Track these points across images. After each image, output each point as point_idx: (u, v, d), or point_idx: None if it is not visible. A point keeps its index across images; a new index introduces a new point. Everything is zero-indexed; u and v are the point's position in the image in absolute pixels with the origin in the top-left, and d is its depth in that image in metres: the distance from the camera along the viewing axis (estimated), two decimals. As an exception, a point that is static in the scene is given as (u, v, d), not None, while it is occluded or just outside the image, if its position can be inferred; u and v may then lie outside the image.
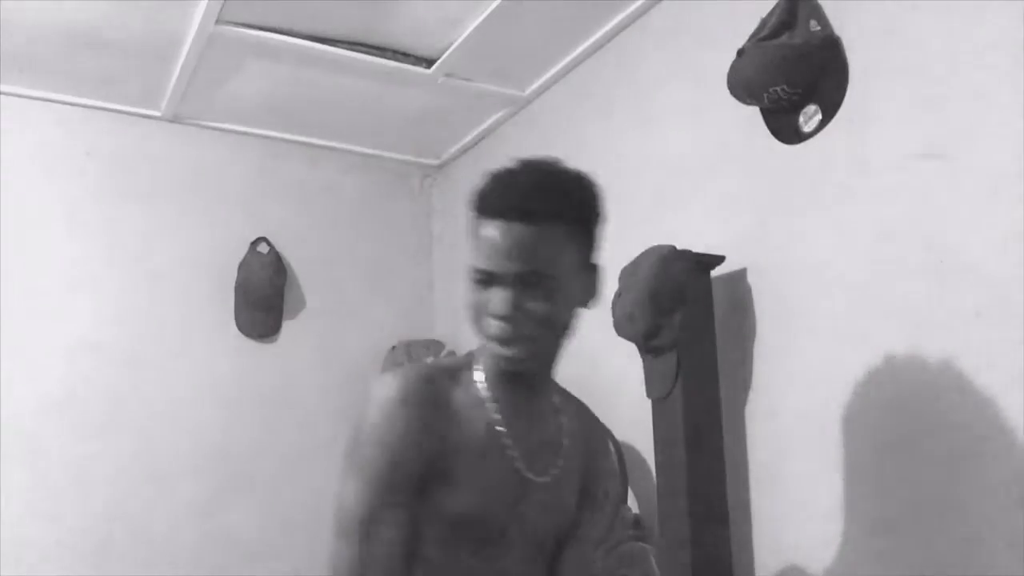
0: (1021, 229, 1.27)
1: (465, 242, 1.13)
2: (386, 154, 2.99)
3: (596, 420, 1.33)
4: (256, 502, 2.60)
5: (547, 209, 1.05)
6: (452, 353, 2.83)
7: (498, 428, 1.10)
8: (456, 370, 1.14)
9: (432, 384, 1.09)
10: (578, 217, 1.09)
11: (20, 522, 2.28)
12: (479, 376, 1.13)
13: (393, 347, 2.77)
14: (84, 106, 2.56)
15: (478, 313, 1.08)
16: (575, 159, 2.47)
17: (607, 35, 2.21)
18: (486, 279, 1.06)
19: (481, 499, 1.08)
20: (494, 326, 1.06)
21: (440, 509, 1.07)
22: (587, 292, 1.12)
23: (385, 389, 1.08)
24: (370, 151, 2.95)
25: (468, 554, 1.09)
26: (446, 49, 2.29)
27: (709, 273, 1.72)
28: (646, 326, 1.67)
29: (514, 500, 1.11)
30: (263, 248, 2.72)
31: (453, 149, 2.91)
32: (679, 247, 1.71)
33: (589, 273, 1.11)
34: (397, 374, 1.10)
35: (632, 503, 1.90)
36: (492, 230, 1.05)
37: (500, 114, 2.67)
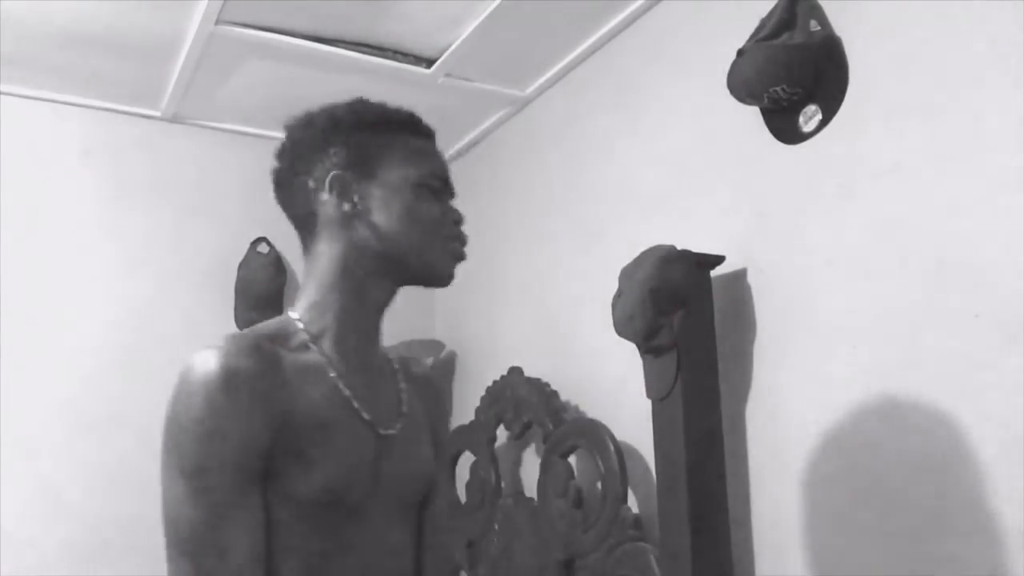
0: (1021, 229, 1.27)
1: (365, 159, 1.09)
2: (386, 154, 2.98)
3: (424, 372, 1.32)
4: (256, 502, 2.60)
5: None
6: (453, 353, 2.83)
7: (341, 387, 1.03)
8: (277, 334, 1.03)
9: (260, 352, 0.96)
10: None
11: (20, 522, 2.28)
12: (304, 336, 1.05)
13: (394, 347, 2.77)
14: (83, 106, 2.56)
15: (435, 221, 1.08)
16: (576, 159, 2.49)
17: (607, 35, 2.21)
18: (441, 188, 1.10)
19: (340, 469, 0.98)
20: (459, 236, 1.10)
21: (292, 492, 0.95)
22: None
23: (203, 367, 0.92)
24: (370, 151, 2.95)
25: (329, 533, 0.98)
26: (446, 49, 2.29)
27: (709, 273, 1.72)
28: (646, 326, 1.67)
29: (372, 459, 1.04)
30: (263, 248, 2.72)
31: (453, 149, 2.91)
32: (679, 247, 1.71)
33: None
34: (214, 348, 0.94)
35: (632, 503, 1.91)
36: (423, 143, 1.12)
37: (500, 114, 2.67)
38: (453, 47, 2.26)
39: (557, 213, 2.41)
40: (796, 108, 1.64)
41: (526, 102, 2.58)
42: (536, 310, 2.46)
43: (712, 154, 1.87)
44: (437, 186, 1.09)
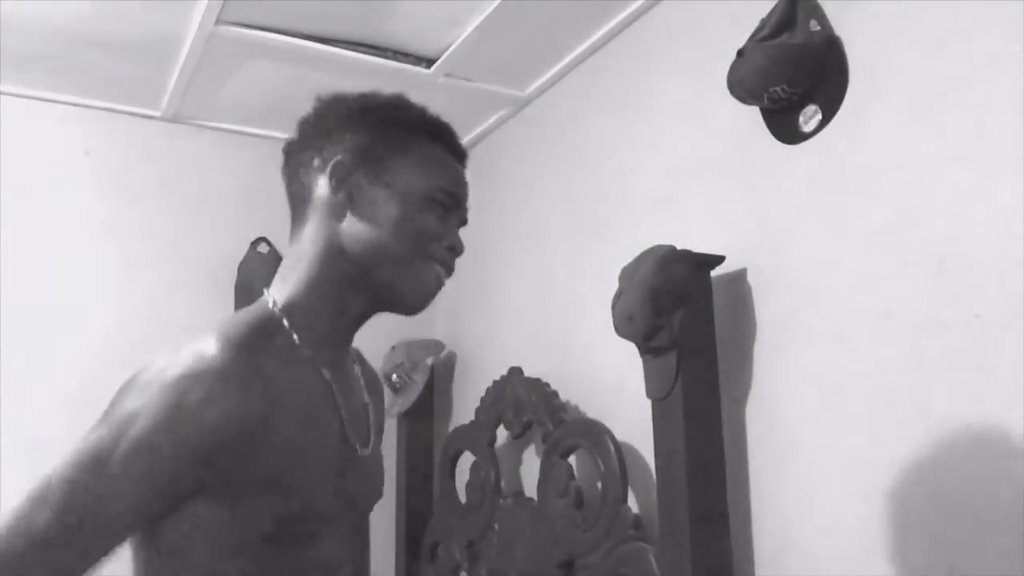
0: (1021, 229, 1.27)
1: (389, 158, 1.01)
2: (386, 154, 2.98)
3: (371, 369, 1.21)
4: (256, 502, 2.60)
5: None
6: (453, 353, 2.83)
7: (330, 394, 0.97)
8: (267, 328, 0.95)
9: (254, 358, 0.88)
10: None
11: (20, 522, 2.28)
12: (291, 337, 0.96)
13: (393, 347, 2.77)
14: (84, 106, 2.56)
15: (427, 237, 0.98)
16: (575, 159, 2.49)
17: (607, 35, 2.21)
18: (450, 205, 1.01)
19: (308, 485, 0.92)
20: (446, 262, 1.02)
21: (257, 511, 0.89)
22: None
23: (194, 363, 0.84)
24: (370, 151, 2.95)
25: (286, 549, 0.92)
26: (446, 49, 2.29)
27: (709, 273, 1.72)
28: (646, 326, 1.67)
29: (339, 475, 0.98)
30: (263, 248, 2.72)
31: (453, 149, 2.91)
32: (679, 247, 1.71)
33: None
34: (210, 343, 0.87)
35: (632, 503, 1.91)
36: (449, 159, 1.04)
37: (500, 114, 2.67)
38: (453, 47, 2.26)
39: (557, 213, 2.41)
40: (796, 108, 1.64)
41: (526, 102, 2.58)
42: (536, 310, 2.46)
43: (712, 154, 1.87)
44: (445, 203, 1.01)
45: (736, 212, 1.79)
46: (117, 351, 2.50)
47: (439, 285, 1.03)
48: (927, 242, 1.41)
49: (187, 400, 0.83)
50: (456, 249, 1.03)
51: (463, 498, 2.41)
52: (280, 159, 1.10)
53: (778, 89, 1.60)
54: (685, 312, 1.65)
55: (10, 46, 2.24)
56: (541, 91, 2.51)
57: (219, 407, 0.83)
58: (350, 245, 0.99)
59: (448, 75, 2.41)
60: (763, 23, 1.63)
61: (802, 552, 1.58)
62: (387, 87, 2.28)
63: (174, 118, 2.66)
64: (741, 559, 1.67)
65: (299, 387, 0.93)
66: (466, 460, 2.43)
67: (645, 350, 1.72)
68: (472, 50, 2.27)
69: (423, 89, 2.46)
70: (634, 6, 2.09)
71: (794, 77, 1.59)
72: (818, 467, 1.56)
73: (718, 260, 1.72)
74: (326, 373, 0.98)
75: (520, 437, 2.24)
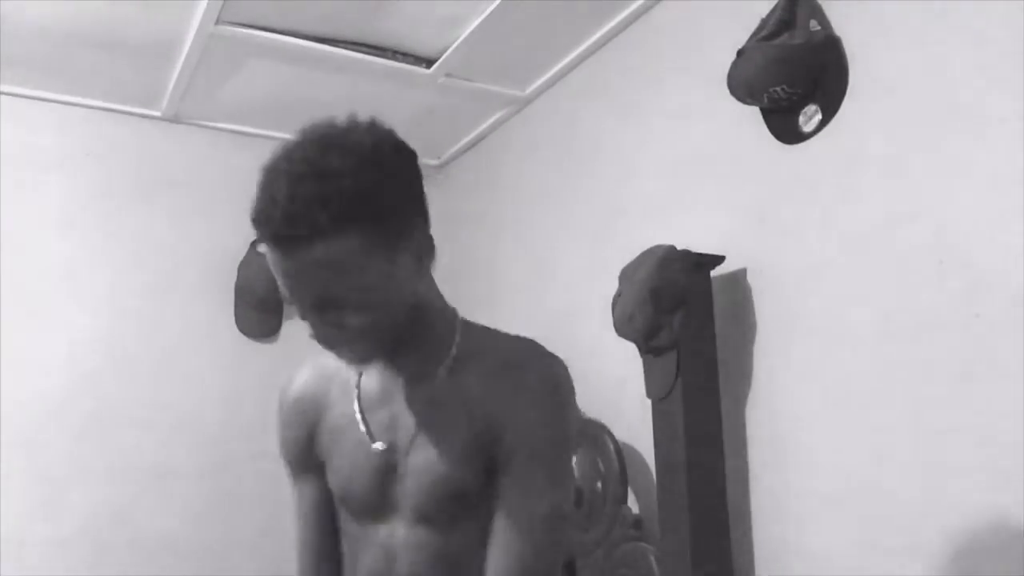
0: (1021, 229, 1.27)
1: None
2: (386, 154, 2.98)
3: (514, 374, 1.13)
4: (256, 502, 2.60)
5: (318, 226, 0.89)
6: (452, 353, 2.82)
7: (355, 408, 1.13)
8: (337, 364, 1.14)
9: (302, 386, 1.19)
10: (371, 216, 0.91)
11: (20, 522, 2.28)
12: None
13: (393, 347, 2.77)
14: (84, 106, 2.56)
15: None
16: (576, 159, 2.48)
17: (607, 35, 2.21)
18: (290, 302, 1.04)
19: (345, 474, 1.13)
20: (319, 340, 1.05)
21: (329, 486, 1.17)
22: (422, 261, 1.05)
23: (279, 391, 1.22)
24: (370, 151, 2.95)
25: (355, 524, 1.14)
26: (446, 49, 2.29)
27: (709, 273, 1.72)
28: (646, 326, 1.67)
29: (374, 471, 1.10)
30: (263, 248, 2.72)
31: (453, 149, 2.91)
32: (679, 247, 1.71)
33: (414, 244, 1.01)
34: (286, 379, 1.22)
35: (632, 503, 1.91)
36: (270, 255, 0.96)
37: (500, 114, 2.67)
38: (453, 47, 2.26)
39: (557, 213, 2.41)
40: (796, 108, 1.64)
41: (526, 102, 2.58)
42: (536, 310, 2.46)
43: (712, 154, 1.87)
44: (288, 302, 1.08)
45: (736, 212, 1.79)
46: (116, 350, 2.50)
47: (345, 357, 1.06)
48: (927, 242, 1.41)
49: (277, 415, 1.22)
50: (313, 337, 1.02)
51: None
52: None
53: (778, 89, 1.60)
54: (685, 312, 1.65)
55: (10, 46, 2.24)
56: (541, 91, 2.51)
57: (281, 421, 1.20)
58: None
59: (448, 75, 2.41)
60: (763, 23, 1.63)
61: (802, 552, 1.58)
62: (387, 87, 2.27)
63: (174, 118, 2.66)
64: (741, 559, 1.67)
65: (342, 402, 1.15)
66: (466, 460, 2.42)
67: (645, 350, 1.72)
68: (472, 50, 2.27)
69: (423, 89, 2.46)
70: (634, 6, 2.09)
71: (794, 77, 1.59)
72: (818, 466, 1.56)
73: (718, 260, 1.72)
74: (356, 392, 1.14)
75: (520, 437, 2.23)
